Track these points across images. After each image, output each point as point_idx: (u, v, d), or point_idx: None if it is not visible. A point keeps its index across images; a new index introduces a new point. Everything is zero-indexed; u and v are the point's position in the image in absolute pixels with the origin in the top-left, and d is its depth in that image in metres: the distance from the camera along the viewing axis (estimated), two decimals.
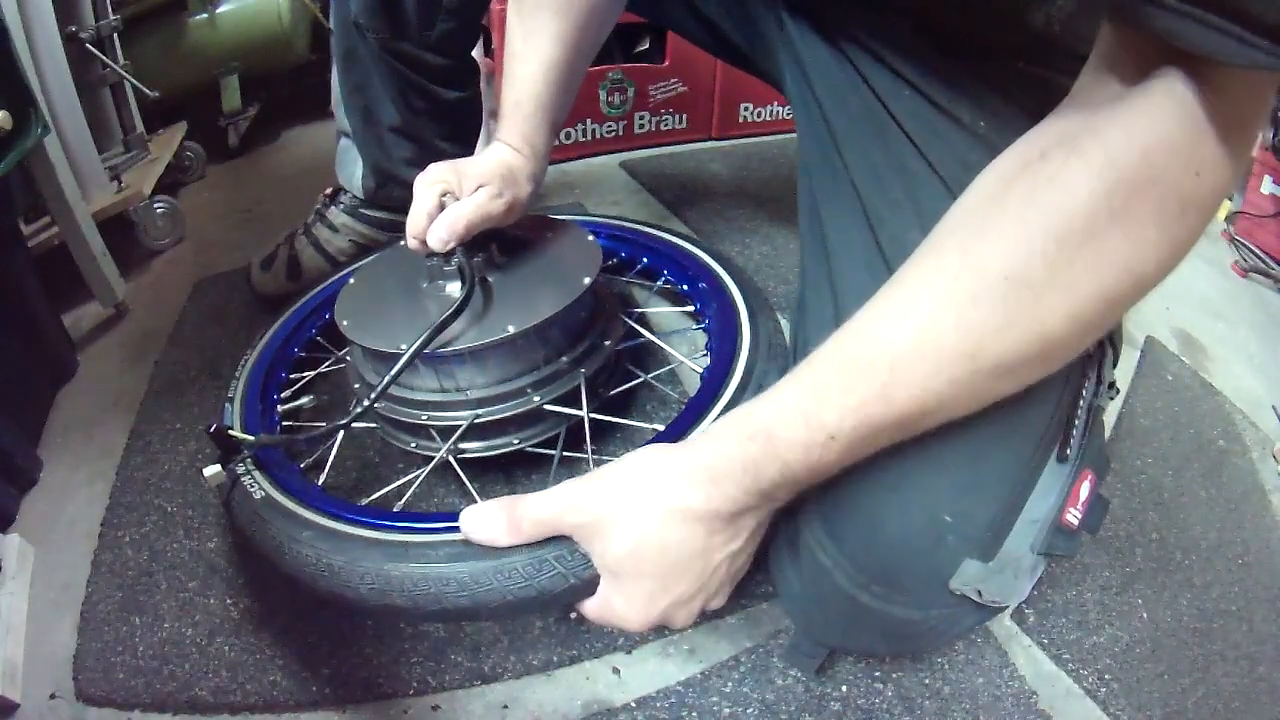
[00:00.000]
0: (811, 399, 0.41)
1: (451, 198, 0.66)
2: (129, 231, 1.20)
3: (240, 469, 0.65)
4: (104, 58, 1.20)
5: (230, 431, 0.66)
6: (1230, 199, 1.38)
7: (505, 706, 0.62)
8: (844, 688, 0.63)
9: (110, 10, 1.24)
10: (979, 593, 0.46)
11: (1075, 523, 0.47)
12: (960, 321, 0.37)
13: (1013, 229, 0.37)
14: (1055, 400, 0.47)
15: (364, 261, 0.91)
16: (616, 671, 0.65)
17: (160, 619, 0.68)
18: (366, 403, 0.63)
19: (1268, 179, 1.26)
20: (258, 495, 0.62)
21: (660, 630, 0.66)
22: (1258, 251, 1.26)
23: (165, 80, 1.35)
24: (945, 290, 0.38)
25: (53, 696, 0.63)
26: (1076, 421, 0.47)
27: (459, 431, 0.67)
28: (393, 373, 0.62)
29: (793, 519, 0.52)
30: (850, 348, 0.41)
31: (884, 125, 0.57)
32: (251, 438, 0.66)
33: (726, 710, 0.62)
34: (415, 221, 0.65)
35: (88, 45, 1.17)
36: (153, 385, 0.96)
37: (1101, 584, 0.73)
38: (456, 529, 0.52)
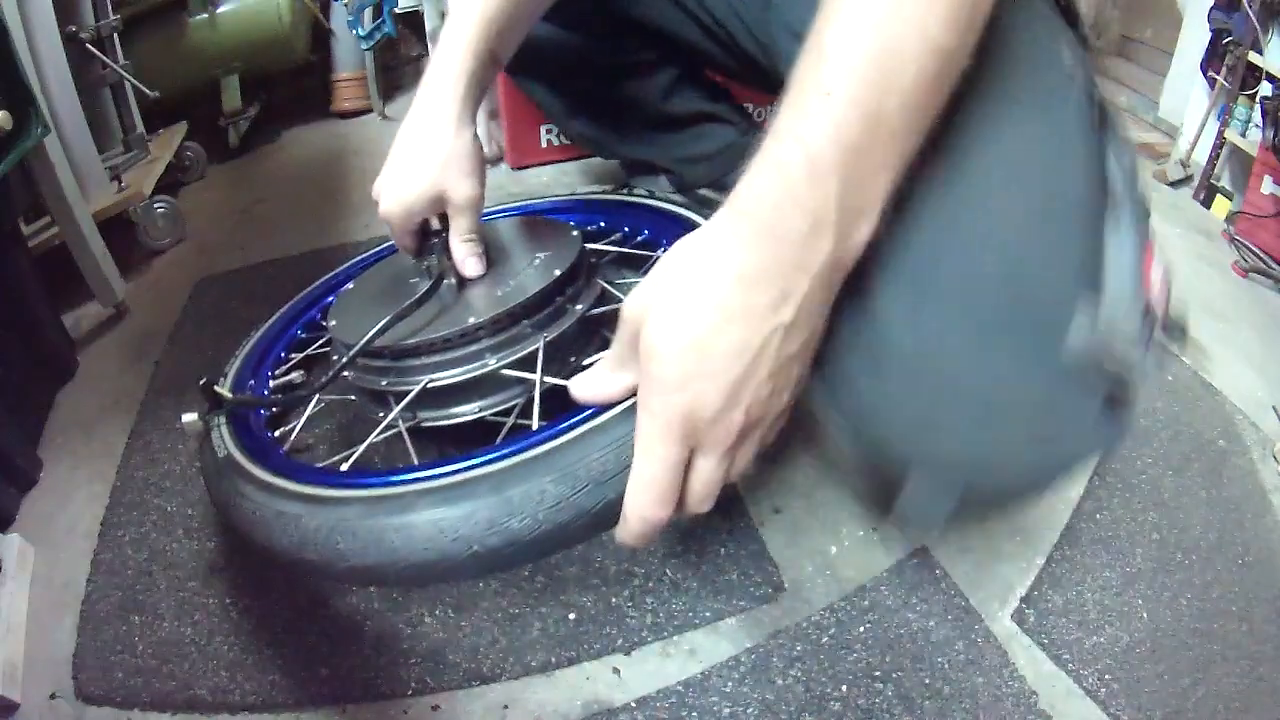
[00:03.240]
0: (793, 116, 0.38)
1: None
2: (129, 231, 1.20)
3: (214, 422, 0.68)
4: (104, 58, 1.20)
5: (215, 388, 0.68)
6: (1230, 199, 1.38)
7: (505, 707, 0.62)
8: (844, 688, 0.63)
9: (110, 10, 1.24)
10: (1099, 364, 0.41)
11: (1158, 307, 0.43)
12: None
13: None
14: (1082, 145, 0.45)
15: (365, 270, 0.92)
16: (616, 671, 0.65)
17: (160, 618, 0.68)
18: (331, 372, 0.65)
19: (1268, 179, 1.26)
20: (220, 452, 0.65)
21: (660, 632, 0.67)
22: (1258, 251, 1.26)
23: (165, 80, 1.35)
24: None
25: (53, 696, 0.63)
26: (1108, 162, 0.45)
27: (408, 397, 0.66)
28: (358, 345, 0.63)
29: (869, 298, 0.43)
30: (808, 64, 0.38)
31: None
32: (231, 395, 0.69)
33: (726, 710, 0.62)
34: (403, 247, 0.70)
35: (88, 45, 1.17)
36: (153, 385, 0.96)
37: (1101, 584, 0.73)
38: (383, 484, 0.52)
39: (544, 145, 1.39)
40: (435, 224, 0.71)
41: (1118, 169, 0.46)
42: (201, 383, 0.67)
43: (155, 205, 1.22)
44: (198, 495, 0.80)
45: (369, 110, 1.71)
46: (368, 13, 1.59)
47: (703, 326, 0.38)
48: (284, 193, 1.44)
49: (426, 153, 0.65)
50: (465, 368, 0.65)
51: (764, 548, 0.74)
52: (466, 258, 0.68)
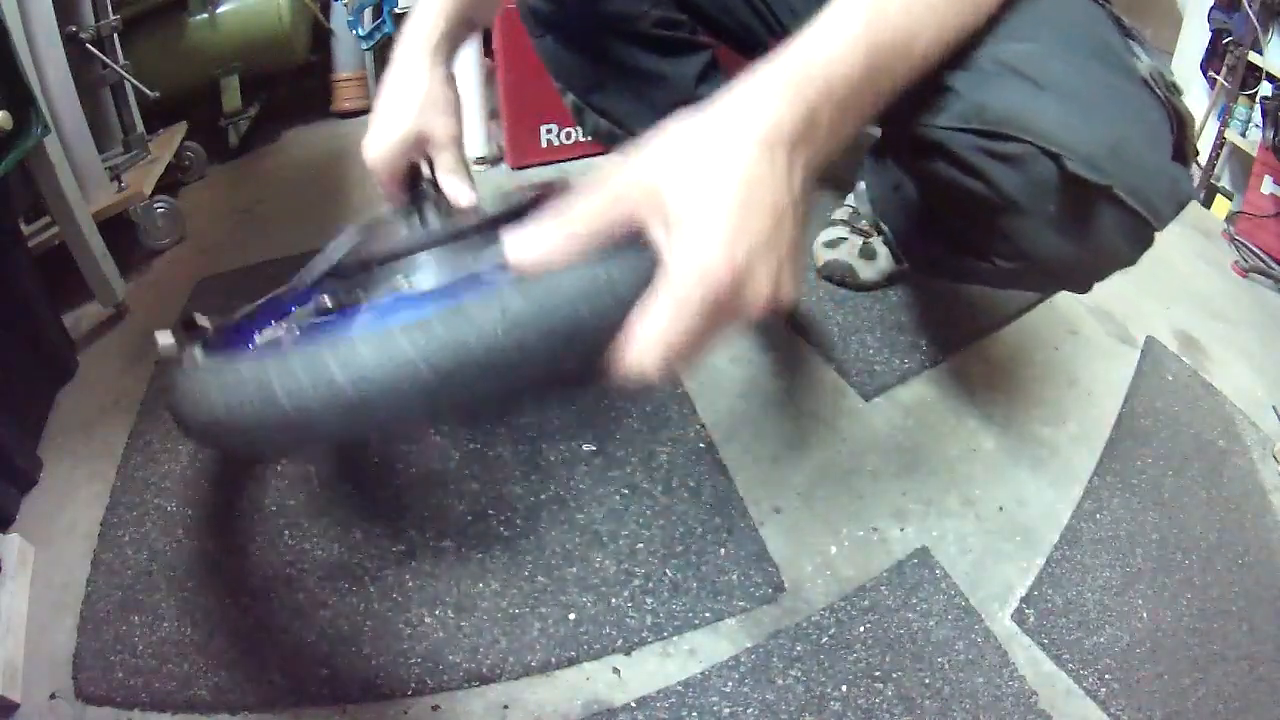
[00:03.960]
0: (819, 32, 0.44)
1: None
2: (129, 231, 1.20)
3: (188, 350, 0.60)
4: (104, 58, 1.20)
5: (194, 316, 0.63)
6: (1230, 199, 1.38)
7: (505, 707, 0.62)
8: (844, 688, 0.63)
9: (110, 10, 1.24)
10: (1161, 77, 0.53)
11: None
12: None
13: None
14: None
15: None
16: (616, 671, 0.65)
17: (160, 618, 0.68)
18: (300, 282, 0.60)
19: (1268, 179, 1.26)
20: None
21: (660, 632, 0.66)
22: (1258, 251, 1.26)
23: (165, 80, 1.35)
24: None
25: (53, 696, 0.63)
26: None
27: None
28: (324, 254, 0.59)
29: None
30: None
31: None
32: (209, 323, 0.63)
33: (726, 710, 0.62)
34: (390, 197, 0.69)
35: (88, 45, 1.17)
36: (153, 385, 0.96)
37: (1101, 584, 0.73)
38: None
39: (544, 145, 1.39)
40: (425, 174, 0.69)
41: (1129, 29, 0.58)
42: (181, 316, 0.61)
43: (155, 205, 1.22)
44: (198, 495, 0.80)
45: (369, 110, 1.70)
46: (368, 13, 1.59)
47: (744, 191, 0.39)
48: (284, 193, 1.44)
49: (404, 99, 0.68)
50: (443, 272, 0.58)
51: (764, 548, 0.74)
52: (455, 188, 0.68)
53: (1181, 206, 0.54)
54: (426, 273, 0.57)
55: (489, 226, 0.58)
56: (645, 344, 0.38)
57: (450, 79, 0.70)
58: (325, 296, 0.60)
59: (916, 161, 0.62)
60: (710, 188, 0.39)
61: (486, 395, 0.40)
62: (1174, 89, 0.55)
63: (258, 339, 0.73)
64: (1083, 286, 0.68)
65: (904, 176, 0.92)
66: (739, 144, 0.40)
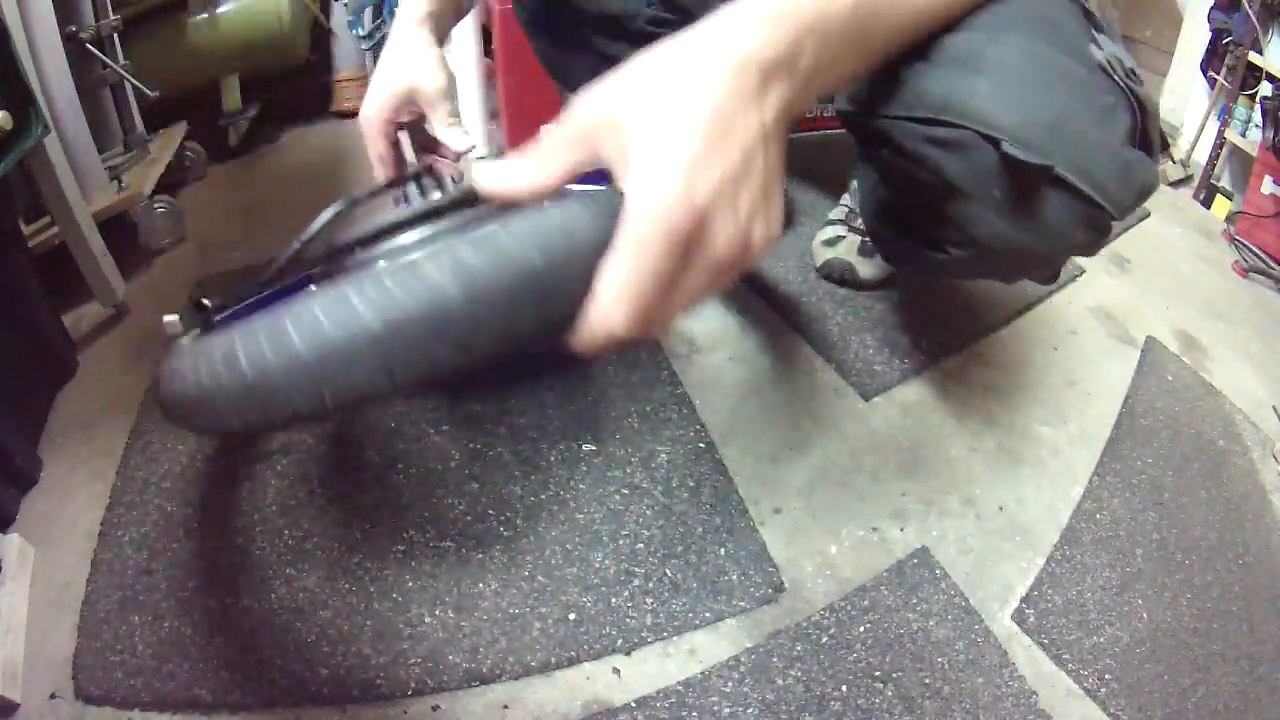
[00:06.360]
0: None
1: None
2: (129, 231, 1.20)
3: (194, 331, 0.62)
4: (104, 58, 1.20)
5: (202, 300, 0.63)
6: (1230, 199, 1.38)
7: (505, 707, 0.62)
8: (844, 688, 0.63)
9: (110, 10, 1.24)
10: (1119, 63, 0.52)
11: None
12: None
13: None
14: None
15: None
16: (616, 672, 0.65)
17: (160, 618, 0.68)
18: (287, 256, 0.59)
19: (1268, 179, 1.26)
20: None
21: (660, 632, 0.66)
22: (1258, 251, 1.26)
23: (165, 80, 1.35)
24: None
25: (53, 696, 0.63)
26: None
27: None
28: (311, 229, 0.58)
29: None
30: None
31: None
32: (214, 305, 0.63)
33: (726, 710, 0.62)
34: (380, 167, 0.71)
35: (88, 45, 1.17)
36: (153, 385, 0.96)
37: (1101, 584, 0.73)
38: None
39: None
40: (410, 154, 0.71)
41: (1098, 22, 0.57)
42: (189, 298, 0.63)
43: (155, 205, 1.22)
44: (198, 495, 0.80)
45: None
46: (368, 13, 1.59)
47: (709, 115, 0.35)
48: (284, 193, 1.44)
49: (392, 64, 0.70)
50: (430, 248, 0.59)
51: (764, 548, 0.74)
52: (452, 137, 0.70)
53: (1143, 193, 0.52)
54: (411, 254, 0.56)
55: (471, 200, 0.55)
56: (608, 296, 0.35)
57: (436, 44, 0.72)
58: (312, 284, 0.59)
59: (873, 153, 0.61)
60: (669, 115, 0.35)
61: (446, 356, 0.37)
62: (1133, 75, 0.53)
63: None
64: (1043, 275, 0.66)
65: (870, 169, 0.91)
66: (707, 67, 0.36)
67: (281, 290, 0.66)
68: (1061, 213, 0.53)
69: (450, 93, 0.71)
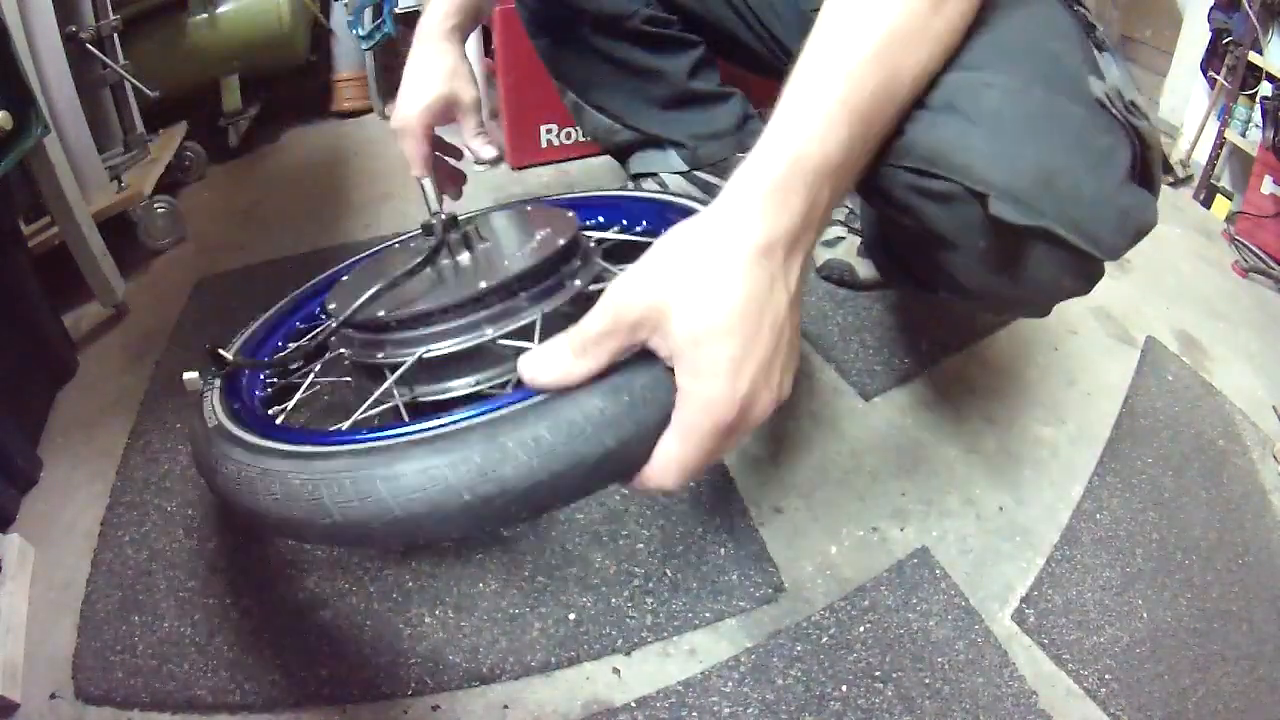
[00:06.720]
0: (806, 94, 0.43)
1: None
2: (129, 231, 1.20)
3: (210, 385, 0.67)
4: (104, 58, 1.20)
5: (220, 350, 0.67)
6: (1230, 199, 1.38)
7: (505, 707, 0.62)
8: (844, 688, 0.63)
9: (110, 10, 1.24)
10: (1119, 94, 0.51)
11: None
12: None
13: None
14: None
15: (365, 260, 0.92)
16: (616, 671, 0.65)
17: (160, 618, 0.68)
18: (324, 332, 0.65)
19: (1268, 179, 1.26)
20: (210, 422, 0.62)
21: (660, 632, 0.67)
22: (1258, 251, 1.26)
23: (165, 80, 1.35)
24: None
25: (53, 696, 0.63)
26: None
27: (404, 367, 0.64)
28: (353, 306, 0.63)
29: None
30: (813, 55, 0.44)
31: None
32: (234, 358, 0.68)
33: (726, 710, 0.62)
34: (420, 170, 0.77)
35: (88, 45, 1.17)
36: (153, 385, 0.96)
37: (1101, 584, 0.73)
38: (370, 440, 0.48)
39: (544, 145, 1.39)
40: (434, 201, 0.76)
41: (1100, 40, 0.56)
42: (208, 346, 0.65)
43: (155, 205, 1.22)
44: (198, 495, 0.80)
45: (369, 110, 1.71)
46: (368, 13, 1.59)
47: (746, 311, 0.40)
48: (284, 193, 1.44)
49: (433, 69, 0.77)
50: (462, 338, 0.64)
51: (764, 548, 0.74)
52: (481, 146, 0.79)
53: (1139, 235, 0.50)
54: (443, 342, 0.62)
55: (501, 291, 0.63)
56: (663, 467, 0.43)
57: (466, 59, 0.79)
58: (342, 350, 0.67)
59: (864, 194, 0.61)
60: (709, 314, 0.40)
61: (522, 513, 0.46)
62: (1134, 109, 0.51)
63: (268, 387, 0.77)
64: (1037, 314, 0.66)
65: None
66: (736, 258, 0.40)
67: (300, 349, 0.71)
68: (1051, 265, 0.52)
69: (480, 105, 0.79)
